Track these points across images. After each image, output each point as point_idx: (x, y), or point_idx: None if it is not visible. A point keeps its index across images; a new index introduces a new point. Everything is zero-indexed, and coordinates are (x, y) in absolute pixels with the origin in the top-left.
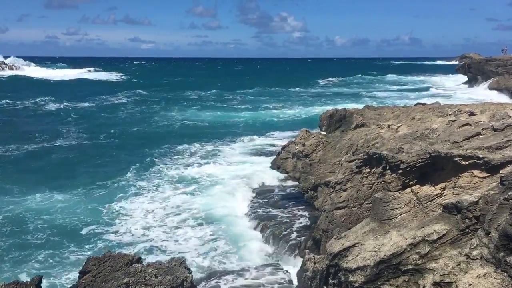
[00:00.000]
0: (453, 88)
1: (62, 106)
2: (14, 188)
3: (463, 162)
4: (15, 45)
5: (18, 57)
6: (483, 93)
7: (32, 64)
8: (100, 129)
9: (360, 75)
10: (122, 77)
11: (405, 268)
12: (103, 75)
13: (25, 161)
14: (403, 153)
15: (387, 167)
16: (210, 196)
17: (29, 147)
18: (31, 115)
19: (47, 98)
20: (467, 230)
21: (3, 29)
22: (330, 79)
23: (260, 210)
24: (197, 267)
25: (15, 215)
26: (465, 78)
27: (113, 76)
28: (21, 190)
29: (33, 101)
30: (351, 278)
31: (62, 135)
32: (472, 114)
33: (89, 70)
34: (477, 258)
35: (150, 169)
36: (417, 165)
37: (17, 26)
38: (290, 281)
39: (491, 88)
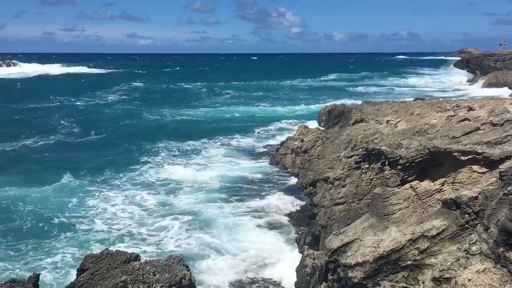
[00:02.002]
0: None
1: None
2: None
3: (462, 158)
4: (12, 42)
5: (15, 54)
6: None
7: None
8: (84, 126)
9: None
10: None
11: (404, 264)
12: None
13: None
14: (402, 149)
15: (386, 163)
16: (193, 194)
17: (6, 145)
18: (11, 113)
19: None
20: (466, 225)
21: (0, 26)
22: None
23: (260, 208)
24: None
25: None
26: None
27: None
28: None
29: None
30: (350, 274)
31: (42, 133)
32: (471, 109)
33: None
34: (476, 254)
35: (130, 166)
36: (416, 160)
37: (14, 22)
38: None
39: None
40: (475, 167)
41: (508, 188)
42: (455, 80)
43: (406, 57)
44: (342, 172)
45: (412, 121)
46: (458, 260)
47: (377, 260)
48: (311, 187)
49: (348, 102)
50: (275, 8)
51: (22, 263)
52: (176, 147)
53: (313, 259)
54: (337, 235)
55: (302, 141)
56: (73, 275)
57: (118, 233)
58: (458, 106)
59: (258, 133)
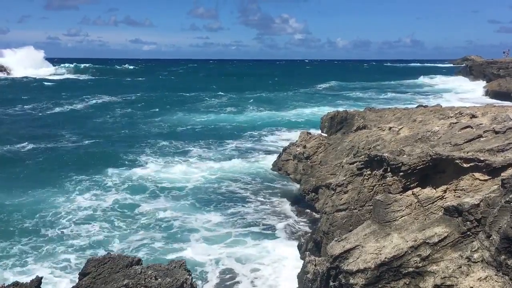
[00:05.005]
0: None
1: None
2: None
3: (465, 165)
4: (17, 47)
5: None
6: None
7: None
8: (74, 132)
9: None
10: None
11: (406, 271)
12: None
13: None
14: (404, 156)
15: (388, 170)
16: (189, 196)
17: None
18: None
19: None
20: (468, 233)
21: (4, 30)
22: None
23: (261, 213)
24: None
25: None
26: None
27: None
28: None
29: None
30: (351, 281)
31: (23, 138)
32: (473, 116)
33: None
34: (478, 261)
35: (117, 169)
36: (418, 167)
37: (18, 27)
38: None
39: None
40: (477, 175)
41: (510, 196)
42: (458, 87)
43: (418, 64)
44: (344, 178)
45: (415, 128)
46: (460, 267)
47: (378, 267)
48: (313, 193)
49: (350, 108)
50: (278, 15)
51: (19, 266)
52: (170, 150)
53: (315, 265)
54: (338, 241)
55: (304, 147)
56: (75, 279)
57: (107, 237)
58: (461, 113)
59: (259, 138)
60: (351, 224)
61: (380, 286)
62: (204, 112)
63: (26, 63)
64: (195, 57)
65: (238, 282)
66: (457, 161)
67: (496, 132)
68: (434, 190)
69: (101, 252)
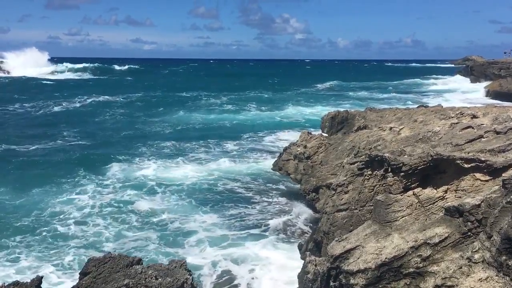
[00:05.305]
0: None
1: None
2: None
3: (465, 165)
4: (18, 46)
5: None
6: None
7: None
8: (73, 131)
9: None
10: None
11: (407, 271)
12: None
13: None
14: (405, 156)
15: (389, 170)
16: (187, 197)
17: None
18: None
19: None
20: (469, 233)
21: (5, 30)
22: None
23: (261, 213)
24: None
25: None
26: None
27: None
28: None
29: None
30: (352, 281)
31: (23, 137)
32: (474, 116)
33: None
34: (479, 262)
35: (114, 168)
36: (419, 167)
37: (19, 26)
38: None
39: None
40: (478, 175)
41: (511, 196)
42: (459, 87)
43: (419, 64)
44: (345, 178)
45: (415, 128)
46: (461, 268)
47: (379, 267)
48: (314, 193)
49: (351, 108)
50: (279, 14)
51: (19, 266)
52: (170, 149)
53: (315, 265)
54: (339, 241)
55: (305, 147)
56: (75, 278)
57: (106, 237)
58: (462, 114)
59: (259, 138)
60: (352, 224)
61: (380, 286)
62: (204, 112)
63: (29, 65)
64: (195, 56)
65: (236, 284)
66: (458, 162)
67: (497, 133)
68: (435, 191)
69: (100, 252)
